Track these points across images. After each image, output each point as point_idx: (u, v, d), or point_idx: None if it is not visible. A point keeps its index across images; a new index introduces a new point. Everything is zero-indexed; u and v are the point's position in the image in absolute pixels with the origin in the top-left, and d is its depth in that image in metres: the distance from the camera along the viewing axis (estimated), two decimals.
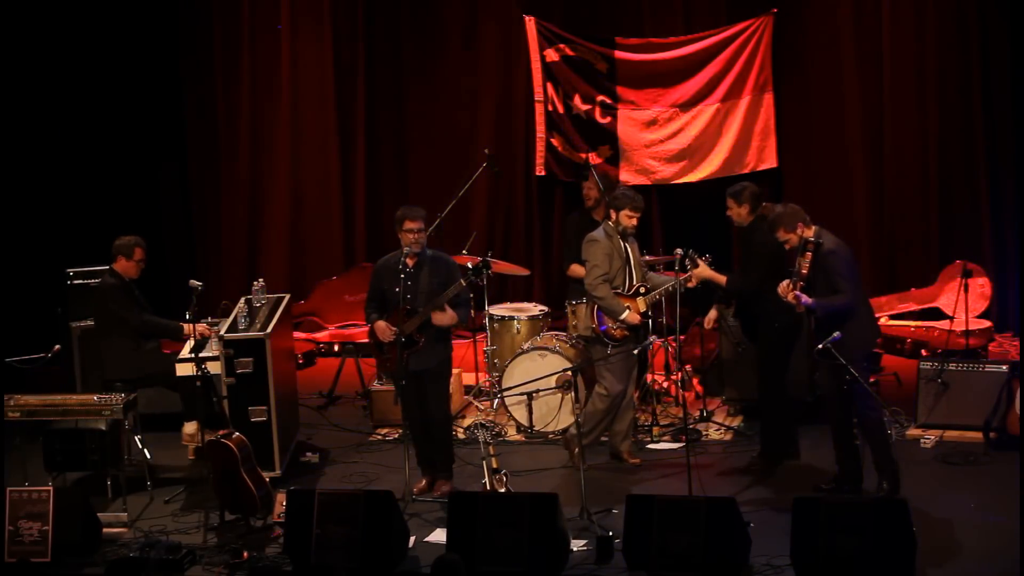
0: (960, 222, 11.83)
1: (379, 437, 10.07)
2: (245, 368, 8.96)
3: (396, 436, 9.80)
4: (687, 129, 12.14)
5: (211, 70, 12.87)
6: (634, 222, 9.07)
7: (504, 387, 9.92)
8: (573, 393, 9.28)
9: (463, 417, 10.32)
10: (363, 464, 9.52)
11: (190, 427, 9.36)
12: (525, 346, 10.01)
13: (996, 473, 8.74)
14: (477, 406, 10.55)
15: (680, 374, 10.40)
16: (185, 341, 9.49)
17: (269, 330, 9.07)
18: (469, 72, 12.69)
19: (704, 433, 9.84)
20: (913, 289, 11.79)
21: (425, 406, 8.74)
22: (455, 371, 9.39)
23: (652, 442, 9.67)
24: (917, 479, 8.67)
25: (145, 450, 9.29)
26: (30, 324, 10.82)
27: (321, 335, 12.47)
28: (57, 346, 10.05)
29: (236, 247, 13.00)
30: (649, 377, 10.14)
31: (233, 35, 12.80)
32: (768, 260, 8.65)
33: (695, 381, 10.62)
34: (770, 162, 12.02)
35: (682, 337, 10.51)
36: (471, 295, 8.88)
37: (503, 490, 8.25)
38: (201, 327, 9.28)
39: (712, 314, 9.66)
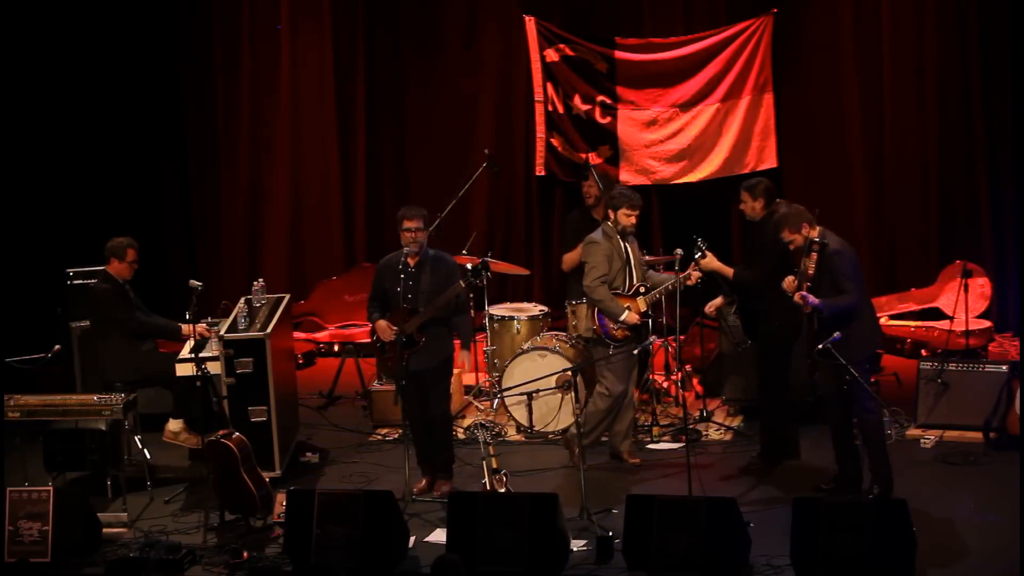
0: (960, 222, 11.83)
1: (379, 437, 10.07)
2: (245, 368, 8.96)
3: (396, 436, 9.80)
4: (687, 129, 12.14)
5: (211, 70, 12.86)
6: (633, 220, 9.07)
7: (504, 387, 9.92)
8: (573, 393, 9.28)
9: (463, 417, 10.32)
10: (363, 464, 9.52)
11: (174, 424, 9.32)
12: (525, 346, 10.02)
13: (996, 473, 8.74)
14: (477, 406, 10.55)
15: (680, 374, 10.40)
16: (184, 341, 9.49)
17: (269, 330, 9.07)
18: (469, 72, 12.69)
19: (704, 433, 9.84)
20: (913, 289, 11.79)
21: (425, 406, 8.74)
22: (455, 371, 9.40)
23: (652, 442, 9.67)
24: (917, 479, 8.68)
25: (145, 450, 9.29)
26: (30, 324, 10.82)
27: (321, 335, 12.47)
28: (57, 346, 10.05)
29: (236, 247, 13.00)
30: (649, 376, 10.14)
31: (233, 35, 12.80)
32: (776, 257, 8.63)
33: (695, 381, 10.63)
34: (770, 162, 12.02)
35: (682, 337, 10.52)
36: (471, 296, 8.88)
37: (503, 490, 8.25)
38: (200, 327, 9.28)
39: (717, 301, 9.56)
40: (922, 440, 9.40)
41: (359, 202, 12.90)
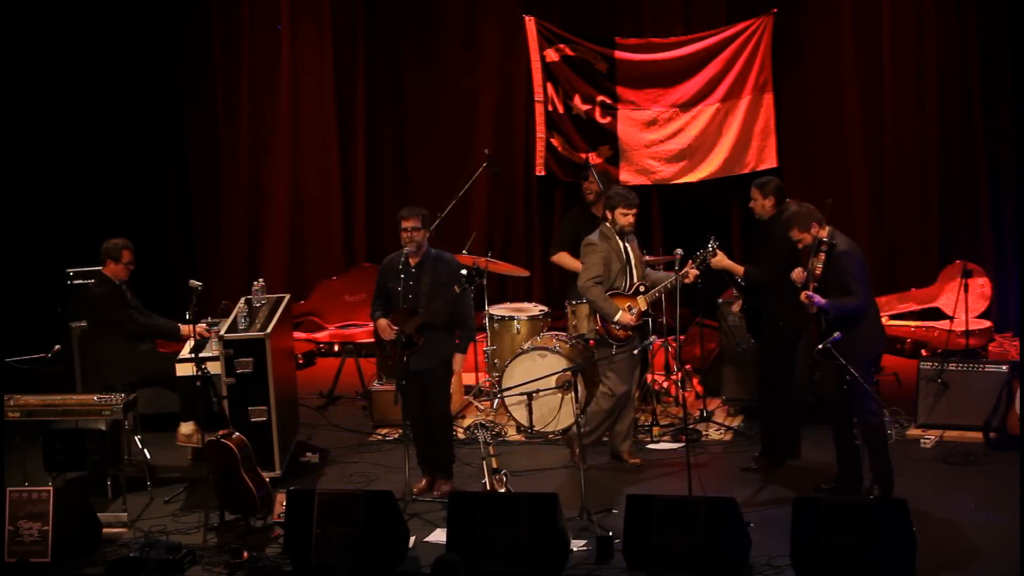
0: (960, 222, 11.83)
1: (379, 437, 10.07)
2: (245, 368, 8.97)
3: (396, 436, 9.80)
4: (687, 129, 12.13)
5: (211, 70, 12.86)
6: (630, 219, 9.08)
7: (504, 387, 9.92)
8: (573, 393, 9.28)
9: (463, 417, 10.32)
10: (363, 464, 9.52)
11: (186, 427, 9.36)
12: (525, 346, 10.02)
13: (996, 473, 8.74)
14: (477, 406, 10.55)
15: (680, 374, 10.40)
16: (184, 341, 9.49)
17: (269, 330, 9.07)
18: (469, 72, 12.69)
19: (704, 433, 9.84)
20: (913, 289, 11.80)
21: (426, 406, 8.74)
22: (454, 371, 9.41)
23: (652, 442, 9.67)
24: (917, 479, 8.68)
25: (145, 450, 9.29)
26: (30, 324, 10.82)
27: (321, 335, 12.47)
28: (57, 346, 10.05)
29: (236, 247, 13.00)
30: (649, 377, 10.13)
31: (233, 35, 12.80)
32: (785, 256, 8.62)
33: (695, 381, 10.63)
34: (770, 162, 12.01)
35: (682, 337, 10.52)
36: (472, 297, 8.86)
37: (503, 490, 8.25)
38: (200, 327, 9.28)
39: (724, 260, 9.47)
40: (922, 440, 9.40)
41: (359, 202, 12.90)
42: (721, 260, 9.11)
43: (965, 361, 9.86)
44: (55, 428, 8.83)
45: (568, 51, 12.24)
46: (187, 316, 9.07)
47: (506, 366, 10.00)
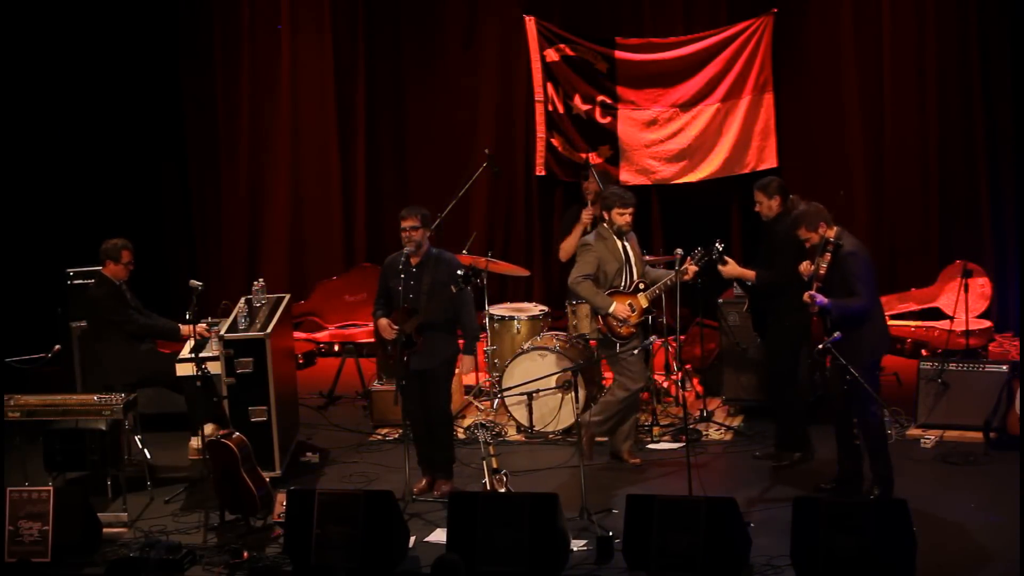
0: (960, 222, 11.83)
1: (379, 437, 10.07)
2: (245, 368, 8.97)
3: (396, 436, 9.80)
4: (687, 129, 12.14)
5: (211, 70, 12.86)
6: (627, 219, 9.11)
7: (504, 387, 9.93)
8: (573, 393, 9.29)
9: (463, 417, 10.32)
10: (363, 464, 9.52)
11: (196, 442, 9.31)
12: (525, 346, 10.02)
13: (996, 473, 8.74)
14: (477, 406, 10.55)
15: (680, 374, 10.40)
16: (184, 341, 9.49)
17: (269, 330, 9.07)
18: (469, 72, 12.69)
19: (704, 433, 9.84)
20: (913, 289, 11.80)
21: (426, 406, 8.74)
22: (455, 372, 9.40)
23: (652, 442, 9.67)
24: (917, 479, 8.68)
25: (145, 450, 9.29)
26: (30, 324, 10.82)
27: (321, 335, 12.47)
28: (57, 346, 10.04)
29: (236, 247, 13.00)
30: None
31: (233, 35, 12.80)
32: (793, 252, 8.61)
33: (695, 381, 10.63)
34: (770, 162, 12.02)
35: (682, 337, 10.52)
36: (472, 298, 8.86)
37: (503, 490, 8.25)
38: (200, 327, 9.27)
39: (735, 268, 9.44)
40: (922, 440, 9.40)
41: (359, 202, 12.90)
42: (732, 269, 9.11)
43: (965, 361, 9.86)
44: (55, 428, 8.84)
45: (568, 51, 12.24)
46: (187, 316, 9.07)
47: (506, 366, 10.00)
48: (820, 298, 8.05)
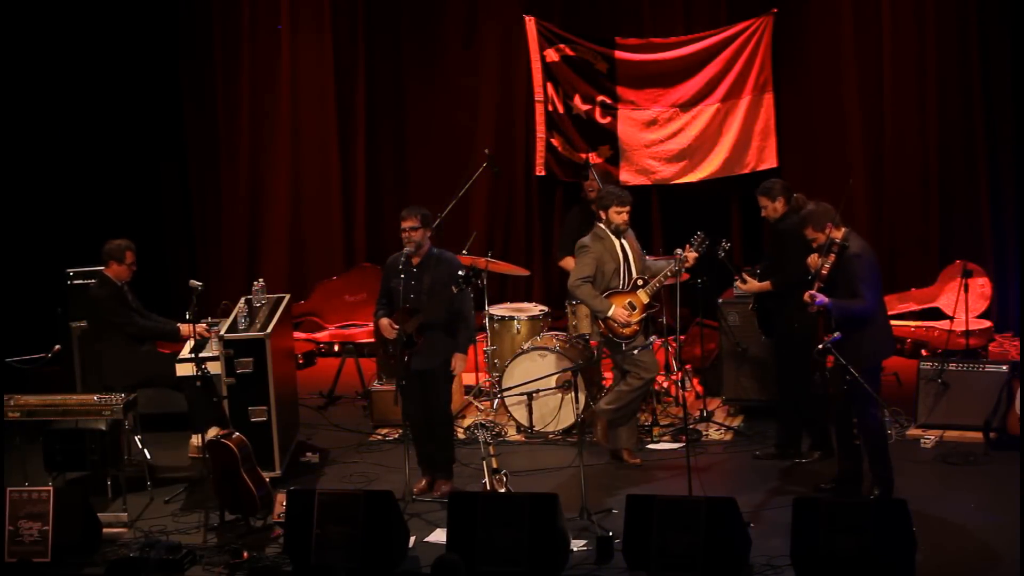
0: (960, 222, 11.82)
1: (379, 437, 10.07)
2: (245, 368, 8.97)
3: (396, 436, 9.80)
4: (687, 129, 12.13)
5: (211, 70, 12.86)
6: (624, 217, 9.12)
7: (504, 387, 9.93)
8: (573, 393, 9.29)
9: (463, 417, 10.32)
10: (363, 464, 9.52)
11: (198, 441, 9.31)
12: (525, 346, 10.02)
13: (996, 473, 8.74)
14: (477, 406, 10.55)
15: (680, 374, 10.40)
16: (184, 342, 9.49)
17: (269, 330, 9.07)
18: (469, 72, 12.69)
19: (704, 433, 9.84)
20: (913, 289, 11.79)
21: (427, 406, 8.74)
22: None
23: (652, 442, 9.67)
24: (917, 479, 8.68)
25: (145, 450, 9.29)
26: (30, 324, 10.82)
27: (321, 335, 12.47)
28: (57, 346, 10.04)
29: (236, 247, 13.00)
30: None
31: (233, 35, 12.80)
32: (800, 251, 8.59)
33: (695, 381, 10.63)
34: (770, 162, 12.01)
35: (682, 337, 10.52)
36: (472, 298, 8.86)
37: (503, 490, 8.25)
38: (200, 327, 9.27)
39: (753, 284, 9.43)
40: (922, 440, 9.40)
41: (359, 202, 12.90)
42: (752, 286, 9.12)
43: (965, 361, 9.86)
44: (55, 428, 8.84)
45: (568, 51, 12.24)
46: (187, 316, 9.07)
47: (506, 366, 10.00)
48: (820, 298, 8.05)
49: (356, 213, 12.91)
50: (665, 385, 10.47)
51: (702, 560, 7.24)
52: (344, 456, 9.71)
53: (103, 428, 8.77)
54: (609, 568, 7.66)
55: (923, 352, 10.99)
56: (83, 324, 10.20)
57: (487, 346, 10.60)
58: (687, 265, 9.18)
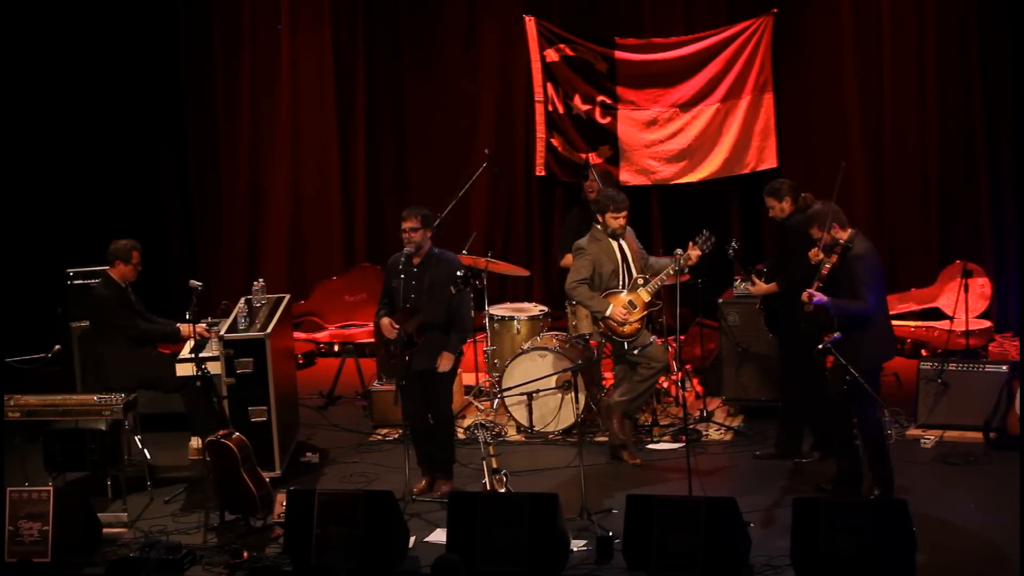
0: (960, 222, 11.82)
1: (379, 437, 10.07)
2: (245, 368, 8.97)
3: (396, 436, 9.80)
4: (687, 129, 12.13)
5: (211, 70, 12.86)
6: (621, 222, 9.15)
7: (504, 387, 9.93)
8: (573, 393, 9.29)
9: (463, 417, 10.32)
10: (363, 464, 9.52)
11: (198, 441, 9.31)
12: (525, 346, 10.02)
13: (996, 473, 8.74)
14: (477, 406, 10.55)
15: (680, 374, 10.40)
16: (184, 342, 9.49)
17: (269, 330, 9.07)
18: (469, 72, 12.69)
19: (704, 433, 9.84)
20: (913, 289, 11.79)
21: (427, 406, 8.73)
22: (457, 371, 9.39)
23: (652, 442, 9.66)
24: (917, 479, 8.68)
25: (145, 450, 9.29)
26: (30, 324, 10.82)
27: (321, 335, 12.47)
28: (57, 346, 10.04)
29: (236, 247, 13.00)
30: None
31: (233, 35, 12.80)
32: (806, 250, 8.57)
33: (695, 381, 10.63)
34: (770, 162, 12.01)
35: (682, 337, 10.52)
36: (472, 297, 8.86)
37: (503, 490, 8.25)
38: (199, 327, 9.27)
39: (762, 287, 9.43)
40: (922, 440, 9.40)
41: (359, 202, 12.90)
42: (760, 288, 9.12)
43: (965, 361, 9.86)
44: (55, 428, 8.83)
45: (568, 51, 12.24)
46: (187, 316, 9.07)
47: (506, 366, 10.00)
48: (818, 296, 8.05)
49: (356, 213, 12.91)
50: (665, 385, 10.47)
51: (702, 560, 7.25)
52: (344, 456, 9.71)
53: (103, 428, 8.77)
54: (609, 568, 7.66)
55: (923, 352, 10.99)
56: (83, 324, 10.21)
57: (487, 346, 10.60)
58: (690, 263, 9.18)
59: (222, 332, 9.11)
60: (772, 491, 8.68)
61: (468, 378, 10.70)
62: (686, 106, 12.11)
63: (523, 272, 11.43)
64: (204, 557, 7.99)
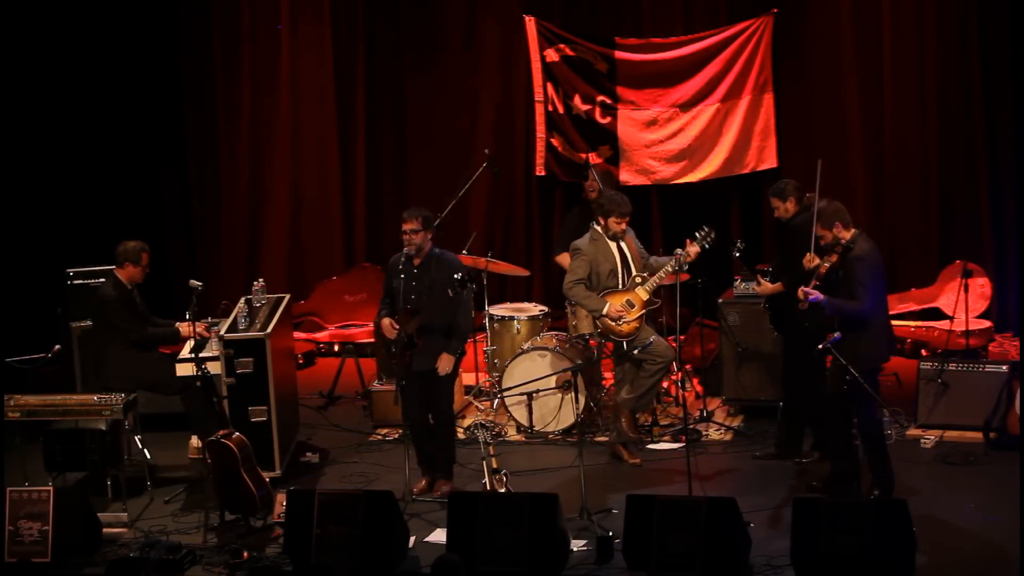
0: (960, 222, 11.81)
1: (379, 437, 10.08)
2: (245, 368, 8.97)
3: (396, 436, 9.80)
4: (687, 129, 12.13)
5: (211, 70, 12.86)
6: (623, 227, 9.21)
7: (504, 387, 9.93)
8: (573, 393, 9.29)
9: (463, 417, 10.32)
10: (363, 464, 9.53)
11: (198, 441, 9.31)
12: (525, 346, 10.02)
13: (996, 473, 8.74)
14: (477, 406, 10.55)
15: (680, 374, 10.40)
16: (184, 342, 9.48)
17: (269, 330, 9.07)
18: (469, 72, 12.68)
19: (704, 433, 9.84)
20: (913, 289, 11.79)
21: (428, 406, 8.73)
22: (458, 372, 9.39)
23: (652, 442, 9.66)
24: (917, 479, 8.68)
25: (145, 450, 9.29)
26: (30, 324, 10.82)
27: (321, 335, 12.47)
28: (57, 346, 10.03)
29: (236, 247, 13.00)
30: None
31: (233, 35, 12.79)
32: (809, 249, 8.58)
33: (695, 381, 10.63)
34: (770, 162, 12.01)
35: (682, 337, 10.52)
36: (471, 300, 8.85)
37: (503, 490, 8.25)
38: (199, 327, 9.26)
39: (767, 287, 9.37)
40: (922, 440, 9.40)
41: (359, 202, 12.90)
42: (764, 288, 9.14)
43: (965, 361, 9.86)
44: (55, 428, 8.84)
45: (568, 51, 12.23)
46: (187, 316, 9.07)
47: (506, 366, 10.00)
48: (813, 295, 8.06)
49: (356, 213, 12.91)
50: (665, 385, 10.47)
51: (702, 560, 7.25)
52: (344, 456, 9.71)
53: (103, 428, 8.77)
54: (609, 568, 7.66)
55: (923, 352, 10.99)
56: (83, 324, 10.20)
57: (487, 346, 10.60)
58: (688, 260, 9.18)
59: (222, 332, 9.11)
60: (772, 491, 8.68)
61: (468, 378, 10.70)
62: (686, 106, 12.11)
63: (523, 272, 11.43)
64: (204, 557, 7.99)
